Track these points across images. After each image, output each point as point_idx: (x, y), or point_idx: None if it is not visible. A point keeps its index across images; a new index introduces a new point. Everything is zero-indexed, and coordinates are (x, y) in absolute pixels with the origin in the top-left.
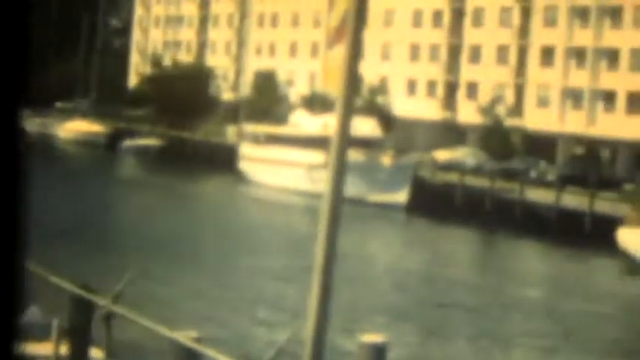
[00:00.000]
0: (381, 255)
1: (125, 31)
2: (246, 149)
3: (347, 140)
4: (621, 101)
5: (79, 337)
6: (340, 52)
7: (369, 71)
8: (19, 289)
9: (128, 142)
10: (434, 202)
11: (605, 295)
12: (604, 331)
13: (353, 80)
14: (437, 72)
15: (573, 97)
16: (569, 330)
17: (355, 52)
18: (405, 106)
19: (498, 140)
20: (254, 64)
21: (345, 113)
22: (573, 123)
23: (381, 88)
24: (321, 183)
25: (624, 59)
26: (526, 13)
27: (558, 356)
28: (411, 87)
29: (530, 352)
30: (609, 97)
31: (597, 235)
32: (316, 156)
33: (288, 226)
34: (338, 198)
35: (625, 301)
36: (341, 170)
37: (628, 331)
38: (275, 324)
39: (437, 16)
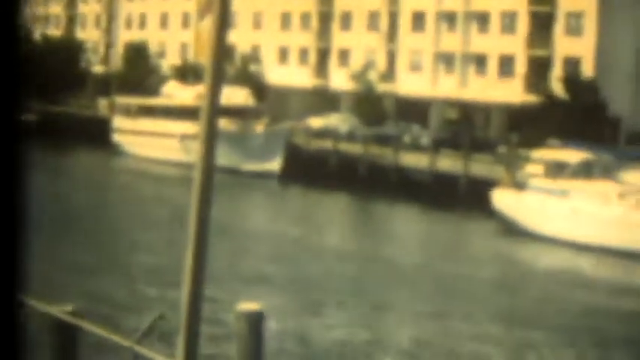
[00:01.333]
0: (254, 224)
1: None
2: (118, 122)
3: (217, 109)
4: (493, 64)
5: None
6: (210, 22)
7: (242, 40)
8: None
9: None
10: (308, 169)
11: (481, 258)
12: (487, 295)
13: (222, 49)
14: (308, 39)
15: (445, 61)
16: (451, 294)
17: (223, 22)
18: (278, 75)
19: (371, 106)
20: (125, 36)
21: (215, 82)
22: (446, 87)
23: (254, 56)
24: (194, 153)
25: (495, 22)
26: None
27: (443, 321)
28: (284, 55)
29: (415, 318)
30: (481, 61)
31: (472, 197)
32: (189, 126)
33: (161, 197)
34: (209, 167)
35: (503, 263)
36: (211, 140)
37: (510, 296)
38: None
39: None
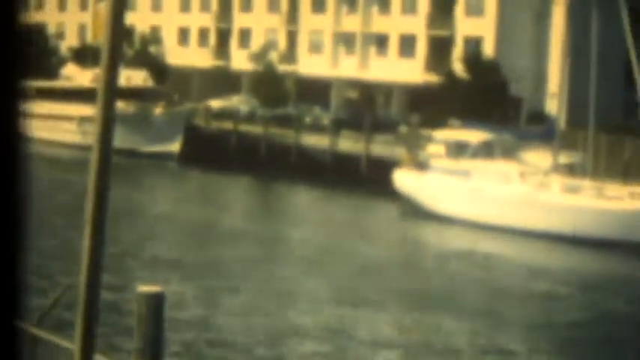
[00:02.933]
0: (152, 206)
1: None
2: None
3: (114, 91)
4: (393, 45)
5: None
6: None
7: (141, 21)
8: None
9: None
10: (209, 151)
11: (384, 239)
12: (392, 277)
13: (119, 30)
14: (209, 20)
15: (346, 41)
16: (355, 276)
17: (121, 3)
18: (179, 56)
19: (271, 87)
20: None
21: (112, 64)
22: (346, 67)
23: (153, 38)
24: (92, 136)
25: (395, 3)
26: None
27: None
28: (184, 36)
29: (321, 304)
30: (382, 41)
31: (374, 178)
32: (88, 109)
33: (57, 180)
34: (106, 150)
35: (406, 245)
36: (108, 122)
37: (414, 277)
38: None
39: None
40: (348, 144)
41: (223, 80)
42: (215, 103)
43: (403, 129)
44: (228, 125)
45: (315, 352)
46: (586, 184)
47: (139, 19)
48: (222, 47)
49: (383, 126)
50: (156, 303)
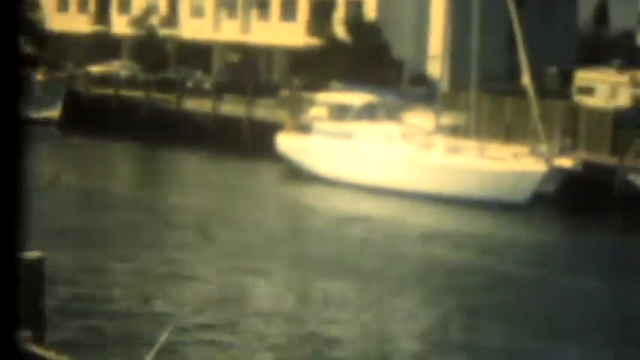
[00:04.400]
0: (30, 174)
1: None
2: None
3: None
4: (275, 8)
5: None
6: None
7: None
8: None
9: None
10: (89, 117)
11: (270, 202)
12: (280, 242)
13: None
14: None
15: (227, 5)
16: (243, 240)
17: None
18: (59, 22)
19: (152, 51)
20: None
21: None
22: (228, 31)
23: (33, 3)
24: None
25: None
26: None
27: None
28: (63, 2)
29: (211, 274)
30: (263, 5)
31: (257, 142)
32: None
33: None
34: None
35: (289, 207)
36: None
37: (304, 242)
38: None
39: None
40: (231, 108)
41: (104, 46)
42: (95, 69)
43: (285, 92)
44: (108, 91)
45: (202, 324)
46: (469, 144)
47: None
48: (102, 13)
49: (265, 89)
50: (37, 266)
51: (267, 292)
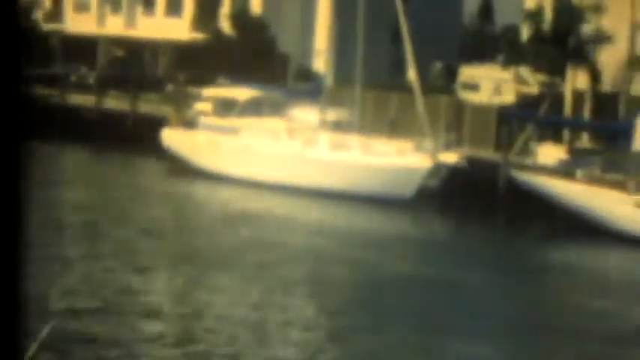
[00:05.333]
0: None
1: None
2: None
3: None
4: (160, 3)
5: None
6: None
7: None
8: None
9: None
10: None
11: (155, 198)
12: (168, 236)
13: None
14: None
15: (112, 1)
16: (131, 236)
17: None
18: None
19: (36, 46)
20: None
21: None
22: (113, 26)
23: None
24: None
25: None
26: None
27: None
28: None
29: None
30: (148, 1)
31: (142, 136)
32: None
33: None
34: None
35: (175, 202)
36: None
37: (189, 236)
38: None
39: None
40: (115, 102)
41: None
42: None
43: (170, 87)
44: None
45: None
46: (354, 140)
47: None
48: None
49: (150, 84)
50: None
51: (146, 290)
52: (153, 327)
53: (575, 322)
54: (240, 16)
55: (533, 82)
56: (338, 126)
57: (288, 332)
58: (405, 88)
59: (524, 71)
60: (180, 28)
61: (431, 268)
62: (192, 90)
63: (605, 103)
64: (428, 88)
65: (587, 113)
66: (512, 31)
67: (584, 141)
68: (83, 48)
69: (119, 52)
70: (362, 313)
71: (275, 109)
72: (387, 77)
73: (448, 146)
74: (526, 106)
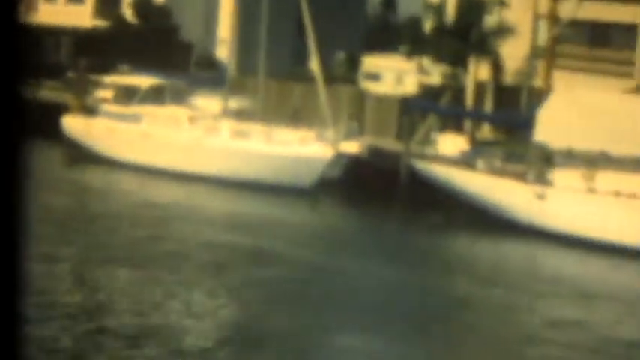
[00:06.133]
0: None
1: None
2: None
3: None
4: None
5: None
6: None
7: None
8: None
9: None
10: None
11: (55, 185)
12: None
13: None
14: None
15: None
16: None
17: None
18: None
19: None
20: None
21: None
22: None
23: None
24: None
25: None
26: None
27: None
28: None
29: None
30: None
31: (43, 124)
32: None
33: None
34: None
35: (77, 190)
36: None
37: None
38: None
39: None
40: None
41: None
42: None
43: (72, 74)
44: None
45: None
46: (256, 128)
47: None
48: None
49: (51, 71)
50: None
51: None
52: None
53: (446, 310)
54: (143, 3)
55: (435, 73)
56: (240, 115)
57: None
58: (307, 78)
59: (427, 62)
60: (82, 15)
61: (321, 256)
62: (94, 77)
63: (507, 95)
64: (331, 78)
65: (489, 105)
66: (415, 22)
67: (486, 132)
68: None
69: None
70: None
71: (177, 97)
72: (290, 67)
73: (350, 136)
74: (428, 97)
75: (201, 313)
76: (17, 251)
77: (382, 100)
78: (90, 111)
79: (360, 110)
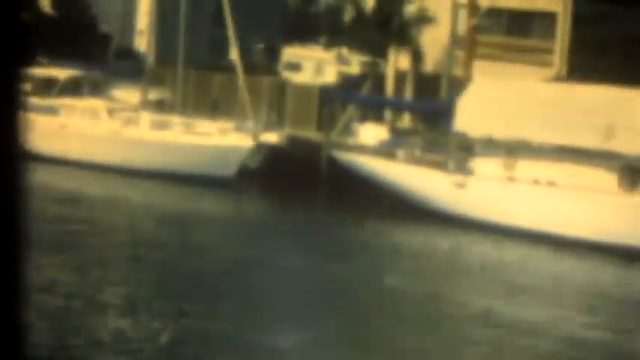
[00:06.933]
0: None
1: None
2: None
3: None
4: None
5: None
6: None
7: None
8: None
9: None
10: None
11: None
12: None
13: None
14: None
15: None
16: None
17: None
18: None
19: None
20: None
21: None
22: None
23: None
24: None
25: None
26: None
27: None
28: None
29: None
30: None
31: None
32: None
33: None
34: None
35: None
36: None
37: None
38: None
39: None
40: None
41: None
42: None
43: None
44: None
45: None
46: (175, 120)
47: None
48: None
49: None
50: None
51: None
52: None
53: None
54: None
55: (355, 62)
56: (159, 106)
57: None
58: (227, 69)
59: (347, 52)
60: None
61: (236, 247)
62: None
63: (427, 84)
64: (251, 68)
65: (409, 94)
66: (335, 12)
67: (406, 121)
68: None
69: None
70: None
71: (95, 88)
72: (209, 57)
73: (270, 126)
74: (348, 87)
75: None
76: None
77: (302, 90)
78: None
79: (280, 100)
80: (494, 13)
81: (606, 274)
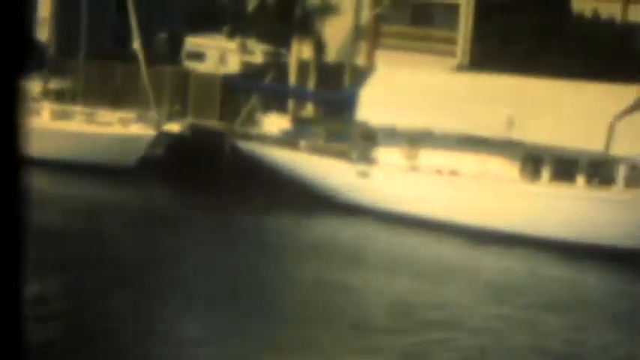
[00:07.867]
0: None
1: None
2: None
3: None
4: None
5: None
6: None
7: None
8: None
9: None
10: None
11: None
12: None
13: None
14: None
15: None
16: None
17: None
18: None
19: None
20: None
21: None
22: None
23: None
24: None
25: None
26: None
27: None
28: None
29: None
30: None
31: None
32: None
33: None
34: None
35: None
36: None
37: None
38: None
39: None
40: None
41: None
42: None
43: None
44: None
45: None
46: (76, 110)
47: None
48: None
49: None
50: None
51: None
52: None
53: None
54: None
55: (258, 52)
56: (61, 96)
57: None
58: (130, 58)
59: (250, 41)
60: None
61: (134, 232)
62: None
63: (330, 74)
64: (153, 58)
65: (312, 83)
66: (239, 1)
67: (310, 111)
68: None
69: None
70: None
71: None
72: (111, 47)
73: (172, 116)
74: (251, 76)
75: None
76: None
77: (204, 79)
78: None
79: (183, 90)
80: (396, 3)
81: (488, 258)
